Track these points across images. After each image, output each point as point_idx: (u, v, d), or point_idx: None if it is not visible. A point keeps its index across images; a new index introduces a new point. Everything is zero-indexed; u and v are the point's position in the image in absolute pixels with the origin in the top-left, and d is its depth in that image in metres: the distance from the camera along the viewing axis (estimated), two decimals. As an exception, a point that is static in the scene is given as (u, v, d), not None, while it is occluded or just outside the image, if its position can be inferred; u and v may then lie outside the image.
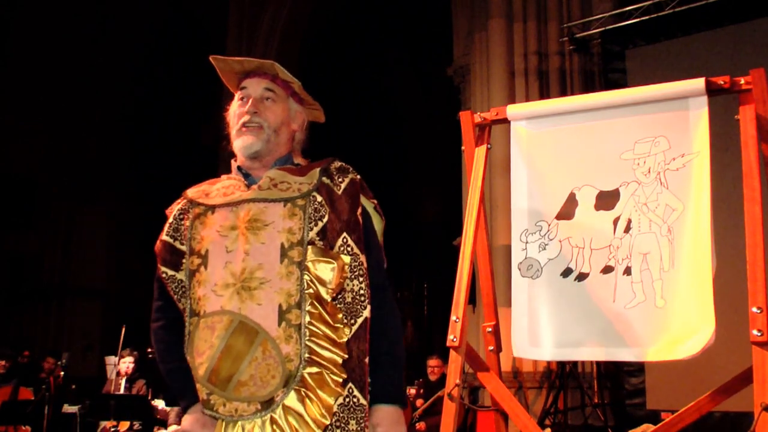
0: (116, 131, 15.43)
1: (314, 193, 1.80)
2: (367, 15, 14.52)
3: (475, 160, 3.25)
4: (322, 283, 1.73)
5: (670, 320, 2.75)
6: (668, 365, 5.81)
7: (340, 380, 1.70)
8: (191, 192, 1.92)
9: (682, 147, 2.88)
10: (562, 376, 6.91)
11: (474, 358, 3.14)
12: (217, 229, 1.79)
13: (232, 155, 1.96)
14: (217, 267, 1.75)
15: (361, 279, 1.77)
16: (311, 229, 1.76)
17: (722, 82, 2.86)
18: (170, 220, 1.88)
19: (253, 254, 1.73)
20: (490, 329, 3.28)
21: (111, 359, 7.87)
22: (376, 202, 1.92)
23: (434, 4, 11.69)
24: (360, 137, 14.98)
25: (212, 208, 1.83)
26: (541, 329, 3.00)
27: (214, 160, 9.36)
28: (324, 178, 1.84)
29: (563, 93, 7.73)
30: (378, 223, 1.91)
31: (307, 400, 1.67)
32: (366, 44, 15.33)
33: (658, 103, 2.97)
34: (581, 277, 2.98)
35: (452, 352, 2.98)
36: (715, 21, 6.76)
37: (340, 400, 1.70)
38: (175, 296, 1.81)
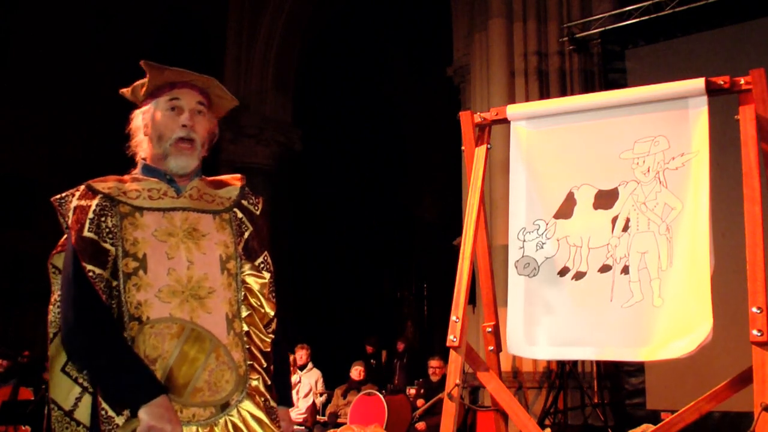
0: (117, 131, 15.41)
1: (235, 209, 1.93)
2: (367, 15, 14.52)
3: (475, 160, 3.25)
4: (255, 296, 1.85)
5: (667, 319, 2.75)
6: (668, 365, 5.80)
7: (267, 385, 1.84)
8: (103, 187, 1.82)
9: (682, 146, 2.88)
10: (562, 376, 6.90)
11: (474, 358, 3.14)
12: (152, 233, 1.77)
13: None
14: (159, 273, 1.74)
15: (273, 294, 1.91)
16: (238, 244, 1.88)
17: (722, 82, 2.86)
18: (90, 215, 1.76)
19: (198, 264, 1.79)
20: (490, 329, 3.29)
21: None
22: None
23: (434, 4, 11.68)
24: (360, 137, 14.99)
25: (140, 209, 1.80)
26: (537, 328, 3.00)
27: (214, 161, 9.37)
28: (242, 199, 1.97)
29: (563, 93, 7.72)
30: None
31: (258, 404, 1.79)
32: (366, 44, 15.32)
33: (658, 102, 2.97)
34: (578, 275, 2.98)
35: (452, 352, 2.98)
36: (715, 21, 6.76)
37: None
38: (104, 296, 1.70)
